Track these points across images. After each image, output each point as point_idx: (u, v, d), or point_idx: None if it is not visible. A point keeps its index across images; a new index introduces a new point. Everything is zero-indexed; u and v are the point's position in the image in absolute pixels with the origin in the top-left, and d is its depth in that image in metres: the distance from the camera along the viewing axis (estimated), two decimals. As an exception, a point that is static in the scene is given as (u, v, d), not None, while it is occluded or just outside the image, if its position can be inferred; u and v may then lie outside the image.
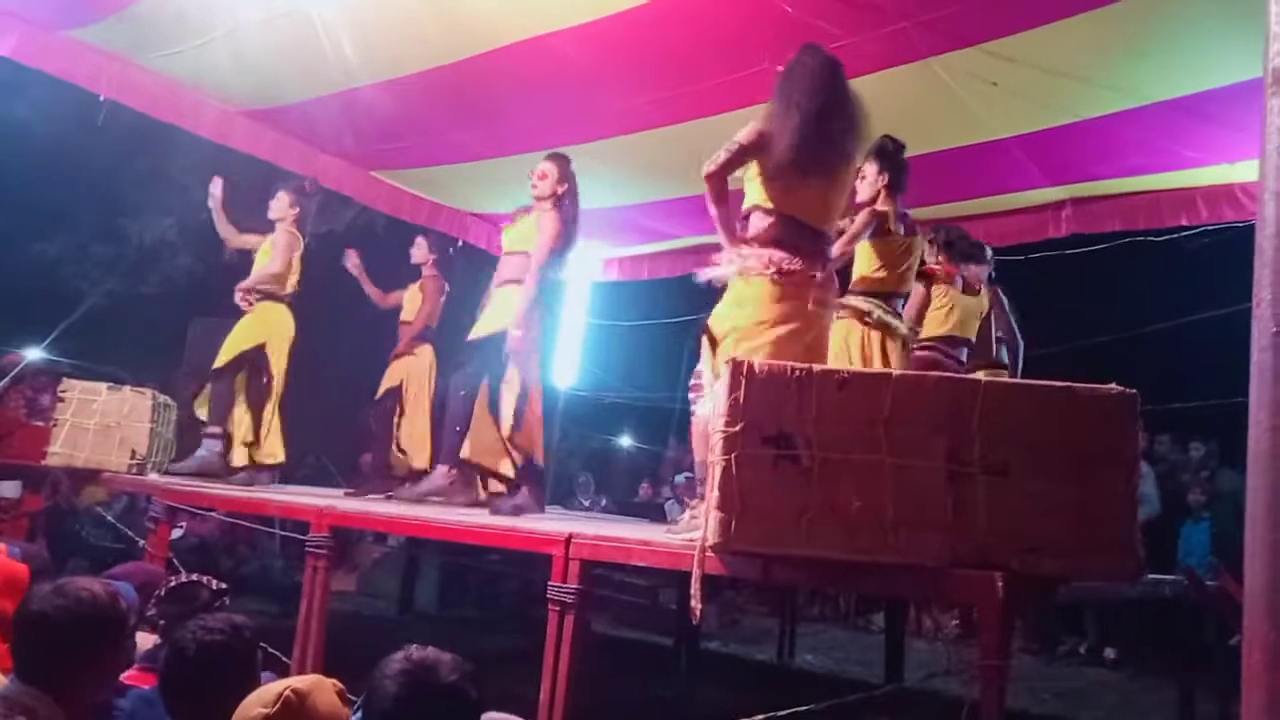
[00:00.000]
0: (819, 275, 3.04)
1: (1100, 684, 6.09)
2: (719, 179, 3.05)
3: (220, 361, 4.98)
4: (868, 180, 3.94)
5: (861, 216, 3.91)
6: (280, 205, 5.23)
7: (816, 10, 3.75)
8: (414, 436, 5.44)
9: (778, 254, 2.99)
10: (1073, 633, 6.98)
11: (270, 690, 1.83)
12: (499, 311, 4.37)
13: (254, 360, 5.05)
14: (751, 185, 3.12)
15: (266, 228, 5.27)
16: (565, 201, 4.32)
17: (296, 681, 1.89)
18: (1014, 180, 5.21)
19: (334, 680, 1.95)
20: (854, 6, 3.76)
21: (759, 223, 3.08)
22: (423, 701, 1.62)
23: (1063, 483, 2.26)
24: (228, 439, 5.00)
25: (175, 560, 4.36)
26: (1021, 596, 2.24)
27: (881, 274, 3.97)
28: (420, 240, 5.75)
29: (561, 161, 4.37)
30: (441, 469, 4.44)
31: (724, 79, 4.34)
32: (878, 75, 4.13)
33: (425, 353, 5.57)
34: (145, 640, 2.44)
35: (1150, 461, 6.77)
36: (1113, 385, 2.31)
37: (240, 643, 1.99)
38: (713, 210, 3.09)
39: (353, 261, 5.71)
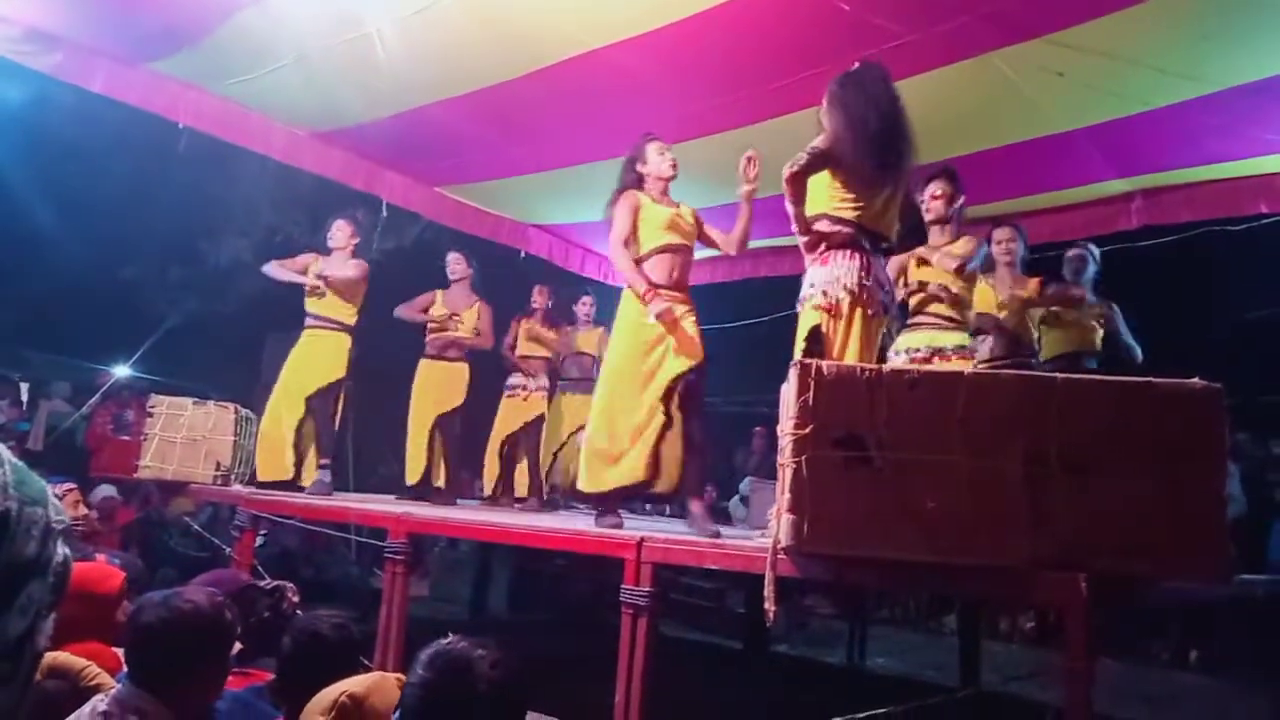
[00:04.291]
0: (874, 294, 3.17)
1: (1189, 689, 5.89)
2: (800, 181, 3.14)
3: (312, 391, 5.14)
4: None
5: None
6: (343, 235, 5.38)
7: (874, 8, 3.72)
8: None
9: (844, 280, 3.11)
10: (1156, 635, 6.75)
11: (327, 696, 1.84)
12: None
13: (338, 392, 5.23)
14: (819, 192, 3.18)
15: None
16: None
17: (353, 685, 1.88)
18: (1081, 173, 5.09)
19: (398, 675, 1.96)
20: (912, 3, 3.72)
21: (830, 229, 3.18)
22: (454, 711, 1.43)
23: (1146, 481, 2.21)
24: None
25: (260, 567, 4.53)
26: (1106, 598, 2.20)
27: None
28: (460, 255, 5.79)
29: None
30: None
31: (782, 82, 4.34)
32: (938, 72, 4.09)
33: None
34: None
35: (1234, 458, 6.52)
36: (1196, 379, 2.26)
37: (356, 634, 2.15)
38: (791, 209, 3.18)
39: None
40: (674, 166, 3.98)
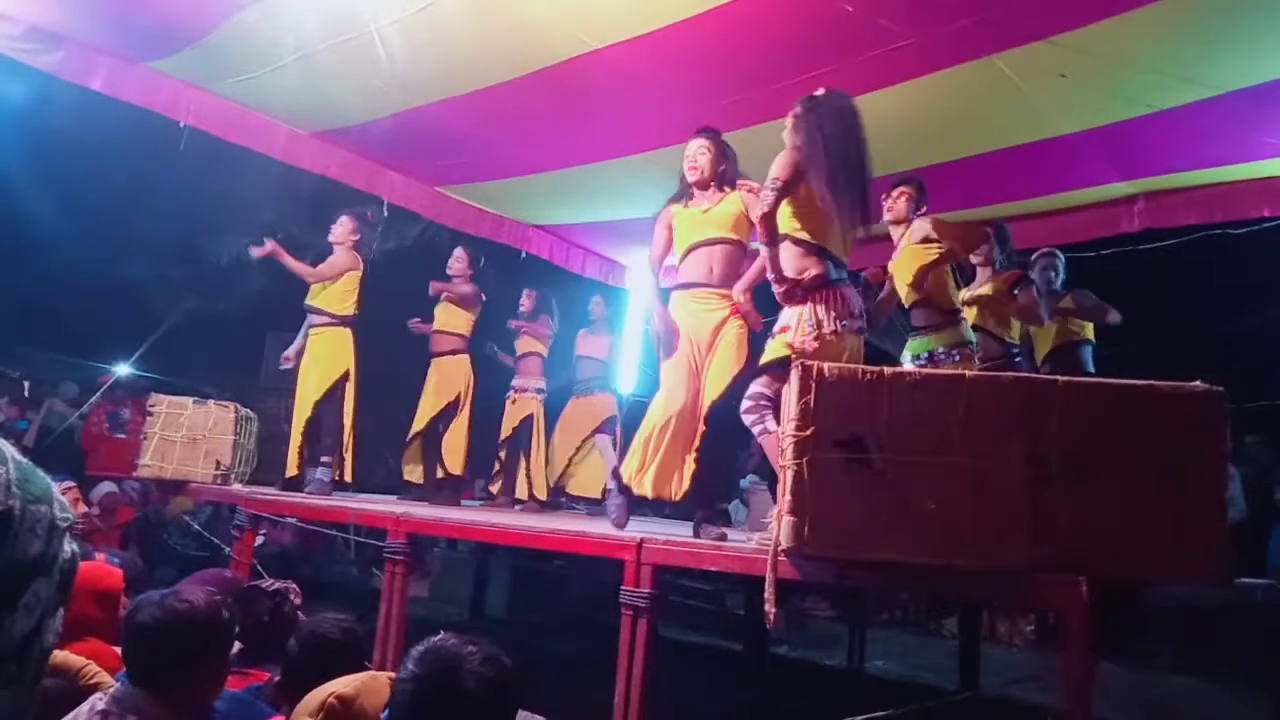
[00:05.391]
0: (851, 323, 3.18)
1: (1187, 693, 5.88)
2: (773, 220, 3.14)
3: (319, 394, 5.12)
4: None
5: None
6: (342, 230, 5.38)
7: (878, 9, 3.72)
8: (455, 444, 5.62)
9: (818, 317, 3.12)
10: (1155, 639, 6.74)
11: (315, 697, 1.82)
12: None
13: (344, 387, 5.21)
14: (785, 213, 3.19)
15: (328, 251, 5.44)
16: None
17: (342, 685, 1.85)
18: (1084, 175, 5.09)
19: (389, 674, 1.93)
20: (916, 4, 3.72)
21: (799, 259, 3.18)
22: (442, 707, 1.42)
23: (1147, 484, 2.21)
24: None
25: (259, 566, 4.52)
26: (1106, 600, 2.20)
27: None
28: (462, 253, 5.81)
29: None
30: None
31: (787, 82, 4.32)
32: (941, 74, 4.09)
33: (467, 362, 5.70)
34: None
35: (1236, 462, 6.52)
36: (1197, 382, 2.26)
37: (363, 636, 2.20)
38: (765, 250, 3.19)
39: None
40: (692, 169, 3.84)
